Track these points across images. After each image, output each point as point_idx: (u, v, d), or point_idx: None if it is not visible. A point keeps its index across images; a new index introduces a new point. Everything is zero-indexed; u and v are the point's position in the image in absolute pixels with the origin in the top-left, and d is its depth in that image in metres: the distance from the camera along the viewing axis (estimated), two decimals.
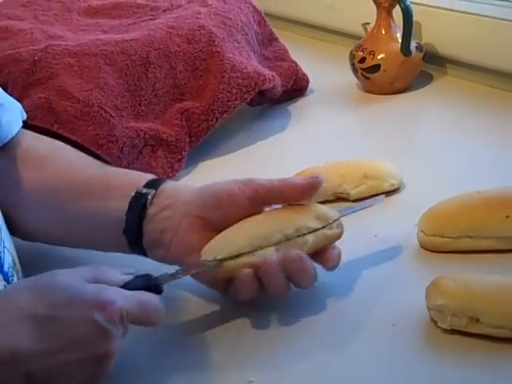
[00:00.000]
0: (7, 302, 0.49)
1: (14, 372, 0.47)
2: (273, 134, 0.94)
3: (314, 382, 0.53)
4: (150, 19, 0.97)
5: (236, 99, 0.89)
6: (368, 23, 1.04)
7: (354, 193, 0.74)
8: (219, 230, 0.60)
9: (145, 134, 0.85)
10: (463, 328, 0.55)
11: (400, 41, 0.99)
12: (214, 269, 0.58)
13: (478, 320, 0.54)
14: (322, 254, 0.60)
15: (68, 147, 0.70)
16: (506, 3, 0.99)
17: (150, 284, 0.54)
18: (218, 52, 0.91)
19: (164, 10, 0.99)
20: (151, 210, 0.62)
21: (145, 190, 0.62)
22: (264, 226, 0.59)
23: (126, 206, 0.62)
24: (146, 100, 0.88)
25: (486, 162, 0.81)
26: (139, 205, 0.62)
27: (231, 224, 0.60)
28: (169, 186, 0.63)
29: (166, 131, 0.86)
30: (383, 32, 1.01)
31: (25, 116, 0.71)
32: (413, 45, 1.00)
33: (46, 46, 0.87)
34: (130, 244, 0.63)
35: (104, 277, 0.52)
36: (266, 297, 0.60)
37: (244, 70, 0.91)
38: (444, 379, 0.52)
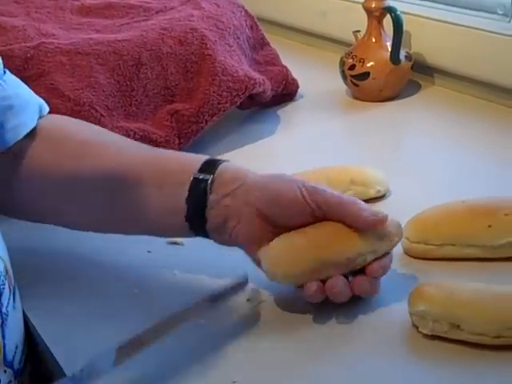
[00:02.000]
0: None
1: None
2: (261, 137, 0.95)
3: (292, 381, 0.54)
4: (143, 20, 0.97)
5: (226, 102, 0.90)
6: (359, 31, 1.05)
7: None
8: (277, 226, 0.60)
9: (134, 134, 0.85)
10: (444, 334, 0.56)
11: (389, 49, 1.00)
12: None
13: (458, 326, 0.55)
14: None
15: (110, 133, 0.70)
16: (495, 16, 1.01)
17: None
18: (209, 55, 0.92)
19: (157, 12, 1.00)
20: (212, 197, 0.60)
21: (202, 176, 0.61)
22: (328, 250, 0.59)
23: (185, 193, 0.61)
24: (136, 100, 0.89)
25: (471, 171, 0.82)
26: (199, 191, 0.61)
27: (288, 224, 0.60)
28: (230, 169, 0.62)
29: (155, 132, 0.87)
30: (373, 40, 1.02)
31: (46, 109, 0.70)
32: (402, 54, 1.01)
33: (39, 44, 0.87)
34: (193, 229, 0.62)
35: None
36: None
37: (235, 74, 0.91)
38: (423, 383, 0.53)
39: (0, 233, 0.62)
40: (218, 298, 0.59)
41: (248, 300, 0.61)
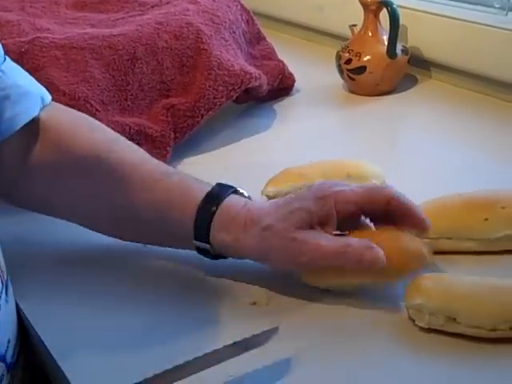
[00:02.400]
0: None
1: None
2: (258, 131, 0.95)
3: (288, 376, 0.54)
4: (139, 14, 0.97)
5: (222, 96, 0.90)
6: (355, 25, 1.04)
7: None
8: None
9: (130, 128, 0.85)
10: (440, 327, 0.55)
11: (386, 43, 1.00)
12: None
13: (455, 319, 0.55)
14: None
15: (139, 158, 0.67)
16: (492, 9, 1.01)
17: None
18: (205, 49, 0.91)
19: (152, 6, 0.99)
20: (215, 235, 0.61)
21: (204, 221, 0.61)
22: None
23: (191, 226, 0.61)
24: (132, 95, 0.88)
25: (468, 164, 0.82)
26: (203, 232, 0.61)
27: None
28: (230, 208, 0.61)
29: (151, 126, 0.87)
30: (370, 34, 1.02)
31: (49, 99, 0.69)
32: (399, 48, 1.01)
33: (33, 39, 0.87)
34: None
35: None
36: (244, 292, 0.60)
37: (231, 68, 0.91)
38: (419, 376, 0.52)
39: None
40: (250, 346, 0.54)
41: (254, 303, 0.61)
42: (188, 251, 0.65)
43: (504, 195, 0.67)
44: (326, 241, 0.57)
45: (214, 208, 0.60)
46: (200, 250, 0.63)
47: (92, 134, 0.68)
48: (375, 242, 0.57)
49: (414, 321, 0.57)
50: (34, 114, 0.66)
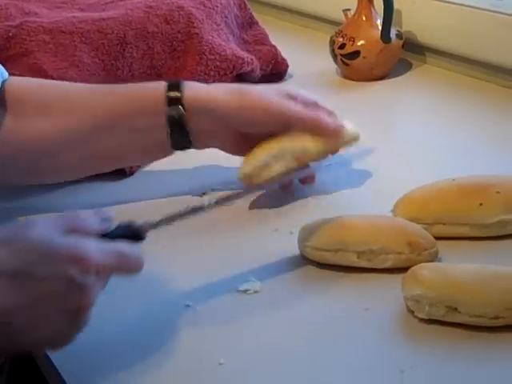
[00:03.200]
0: None
1: None
2: None
3: (283, 364, 0.53)
4: None
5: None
6: (349, 9, 1.03)
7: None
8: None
9: None
10: (441, 317, 0.54)
11: (380, 28, 0.99)
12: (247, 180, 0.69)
13: (456, 309, 0.54)
14: None
15: (67, 84, 0.75)
16: None
17: (131, 232, 0.54)
18: (196, 33, 0.90)
19: None
20: (192, 126, 0.68)
21: (175, 112, 0.67)
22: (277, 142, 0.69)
23: (164, 129, 0.68)
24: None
25: (462, 149, 0.81)
26: (178, 124, 0.68)
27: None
28: (196, 94, 0.68)
29: None
30: (364, 19, 1.00)
31: (6, 76, 0.71)
32: (393, 32, 1.00)
33: (21, 23, 0.86)
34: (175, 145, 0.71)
35: (82, 226, 0.51)
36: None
37: (222, 53, 0.90)
38: (422, 368, 0.51)
39: None
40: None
41: (245, 291, 0.60)
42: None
43: (499, 180, 0.66)
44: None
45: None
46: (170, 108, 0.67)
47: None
48: None
49: (413, 312, 0.55)
50: None
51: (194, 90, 0.69)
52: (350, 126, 0.73)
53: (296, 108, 0.69)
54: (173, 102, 0.67)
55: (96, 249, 0.49)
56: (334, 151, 0.71)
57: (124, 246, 0.52)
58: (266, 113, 0.68)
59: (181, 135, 0.69)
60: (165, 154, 0.72)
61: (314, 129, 0.69)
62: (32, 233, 0.49)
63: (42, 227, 0.49)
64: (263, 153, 0.69)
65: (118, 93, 0.70)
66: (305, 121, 0.69)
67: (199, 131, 0.69)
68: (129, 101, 0.69)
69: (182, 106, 0.67)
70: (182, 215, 0.58)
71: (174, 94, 0.67)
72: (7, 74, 0.71)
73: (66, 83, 0.75)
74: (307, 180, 0.73)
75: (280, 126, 0.69)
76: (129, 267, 0.52)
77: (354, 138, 0.72)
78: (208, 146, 0.73)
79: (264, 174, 0.68)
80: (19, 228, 0.51)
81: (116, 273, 0.51)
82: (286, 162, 0.69)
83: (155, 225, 0.56)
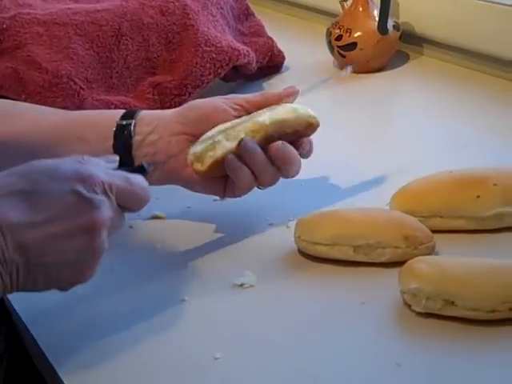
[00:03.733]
0: None
1: (6, 243, 0.47)
2: None
3: (279, 358, 0.53)
4: None
5: (209, 74, 0.88)
6: (345, 0, 1.02)
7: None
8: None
9: (115, 107, 0.83)
10: (438, 311, 0.54)
11: (377, 19, 0.98)
12: (198, 165, 0.63)
13: (453, 303, 0.53)
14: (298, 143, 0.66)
15: (27, 104, 0.72)
16: None
17: (135, 168, 0.57)
18: (191, 25, 0.89)
19: None
20: (136, 138, 0.65)
21: (125, 122, 0.65)
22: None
23: (110, 142, 0.64)
24: (117, 72, 0.87)
25: (459, 142, 0.80)
26: (123, 136, 0.65)
27: None
28: (146, 113, 0.67)
29: (137, 105, 0.85)
30: (360, 10, 1.00)
31: None
32: (390, 23, 0.99)
33: (15, 14, 0.85)
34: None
35: (87, 161, 0.53)
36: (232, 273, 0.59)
37: (218, 45, 0.89)
38: (419, 361, 0.51)
39: None
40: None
41: (241, 285, 0.60)
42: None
43: (496, 172, 0.65)
44: None
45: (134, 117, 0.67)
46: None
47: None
48: None
49: (409, 306, 0.55)
50: None
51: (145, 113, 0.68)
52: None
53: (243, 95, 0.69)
54: (126, 116, 0.67)
55: (101, 170, 0.52)
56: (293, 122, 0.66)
57: (130, 174, 0.54)
58: (205, 104, 0.67)
59: (125, 146, 0.65)
60: None
61: (263, 97, 0.67)
62: (39, 162, 0.52)
63: (53, 160, 0.52)
64: (212, 131, 0.64)
65: (76, 114, 0.70)
66: (250, 96, 0.68)
67: (143, 139, 0.65)
68: (83, 117, 0.69)
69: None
70: None
71: (126, 121, 0.66)
72: None
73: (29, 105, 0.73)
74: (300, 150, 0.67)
75: (222, 114, 0.66)
76: (135, 193, 0.53)
77: (312, 116, 0.67)
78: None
79: (217, 151, 0.63)
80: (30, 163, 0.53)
81: (123, 198, 0.52)
82: (236, 139, 0.63)
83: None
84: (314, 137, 0.74)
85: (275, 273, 0.62)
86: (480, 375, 0.50)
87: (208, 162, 0.63)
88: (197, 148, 0.63)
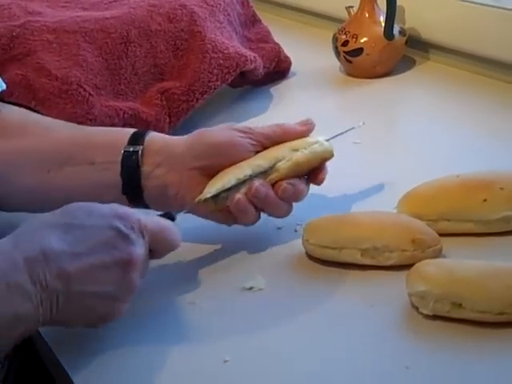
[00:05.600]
0: (32, 223, 0.52)
1: (49, 270, 0.49)
2: (253, 115, 0.93)
3: (288, 361, 0.53)
4: None
5: (217, 80, 0.89)
6: (352, 6, 1.03)
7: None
8: (216, 172, 0.63)
9: (124, 113, 0.84)
10: (446, 313, 0.54)
11: (383, 25, 0.99)
12: (211, 203, 0.62)
13: (461, 305, 0.54)
14: (312, 173, 0.65)
15: (39, 114, 0.71)
16: None
17: (163, 215, 0.58)
18: (199, 32, 0.90)
19: None
20: (145, 169, 0.63)
21: (132, 148, 0.64)
22: (245, 163, 0.63)
23: (118, 167, 0.63)
24: (125, 79, 0.87)
25: (466, 146, 0.81)
26: (131, 163, 0.63)
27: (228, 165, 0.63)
28: (154, 139, 0.65)
29: (145, 111, 0.85)
30: (367, 15, 1.00)
31: (4, 86, 0.70)
32: (396, 29, 0.99)
33: (25, 22, 0.86)
34: (131, 201, 0.64)
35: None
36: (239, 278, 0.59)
37: (225, 51, 0.90)
38: (428, 364, 0.51)
39: None
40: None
41: (250, 289, 0.60)
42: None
43: (503, 176, 0.66)
44: None
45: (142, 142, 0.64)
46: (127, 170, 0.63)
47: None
48: None
49: (417, 308, 0.55)
50: None
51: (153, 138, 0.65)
52: (322, 139, 0.67)
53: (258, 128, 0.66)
54: (134, 140, 0.65)
55: (138, 213, 0.54)
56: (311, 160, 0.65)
57: (161, 219, 0.56)
58: (222, 138, 0.64)
59: (133, 174, 0.63)
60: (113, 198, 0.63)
61: (280, 133, 0.65)
62: (78, 203, 0.54)
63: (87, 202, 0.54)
64: (227, 175, 0.62)
65: (84, 131, 0.69)
66: (268, 131, 0.65)
67: (152, 171, 0.63)
68: (91, 135, 0.68)
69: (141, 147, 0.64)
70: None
71: (133, 148, 0.64)
72: (5, 84, 0.71)
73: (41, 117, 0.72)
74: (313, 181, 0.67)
75: (240, 150, 0.63)
76: (167, 236, 0.55)
77: (328, 151, 0.66)
78: (161, 194, 0.64)
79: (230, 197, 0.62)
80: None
81: (156, 241, 0.54)
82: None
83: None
84: None
85: (284, 276, 0.62)
86: (488, 377, 0.50)
87: (223, 204, 0.63)
88: (211, 192, 0.62)
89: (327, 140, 0.67)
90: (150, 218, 0.55)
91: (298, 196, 0.64)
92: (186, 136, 0.66)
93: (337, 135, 0.69)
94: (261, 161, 0.63)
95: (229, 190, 0.62)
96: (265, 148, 0.65)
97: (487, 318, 0.53)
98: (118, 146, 0.64)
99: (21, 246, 0.50)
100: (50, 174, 0.64)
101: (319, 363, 0.53)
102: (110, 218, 0.52)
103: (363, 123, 0.71)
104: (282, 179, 0.63)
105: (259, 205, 0.63)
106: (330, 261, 0.62)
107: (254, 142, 0.64)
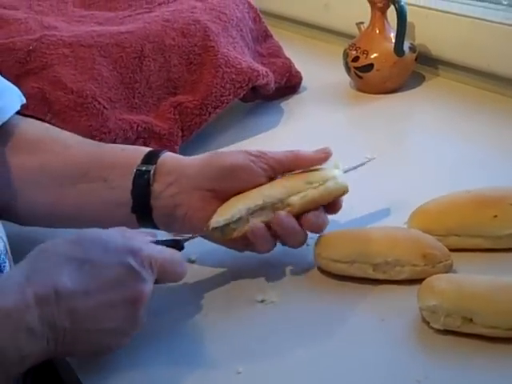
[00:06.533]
0: (47, 252, 0.52)
1: (58, 310, 0.50)
2: (264, 130, 0.95)
3: (300, 374, 0.54)
4: (146, 12, 0.97)
5: (229, 94, 0.90)
6: (362, 23, 1.04)
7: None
8: (227, 196, 0.63)
9: (138, 126, 0.85)
10: (456, 328, 0.55)
11: (393, 41, 1.00)
12: (218, 233, 0.62)
13: (471, 320, 0.54)
14: (328, 206, 0.64)
15: (58, 129, 0.71)
16: (500, 6, 1.00)
17: (171, 243, 0.58)
18: (212, 47, 0.91)
19: (160, 4, 0.99)
20: (156, 187, 0.63)
21: (144, 167, 0.64)
22: (257, 192, 0.62)
23: (129, 185, 0.63)
24: (139, 93, 0.88)
25: (476, 162, 0.81)
26: (143, 182, 0.63)
27: (240, 191, 0.63)
28: (168, 159, 0.65)
29: (158, 124, 0.87)
30: (377, 32, 1.01)
31: (24, 100, 0.71)
32: (406, 45, 1.00)
33: (41, 36, 0.87)
34: (140, 220, 0.64)
35: (130, 236, 0.55)
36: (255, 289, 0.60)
37: (238, 66, 0.91)
38: (438, 378, 0.52)
39: None
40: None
41: (262, 301, 0.61)
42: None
43: None
44: None
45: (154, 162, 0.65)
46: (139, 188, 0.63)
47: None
48: None
49: (428, 323, 0.56)
50: (17, 108, 0.69)
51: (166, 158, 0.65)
52: (338, 173, 0.65)
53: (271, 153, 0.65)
54: (148, 160, 0.65)
55: (148, 245, 0.54)
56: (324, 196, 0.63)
57: (169, 250, 0.57)
58: (234, 161, 0.63)
59: (143, 193, 0.63)
60: (123, 217, 0.65)
61: (293, 159, 0.64)
62: (91, 233, 0.54)
63: (102, 230, 0.55)
64: (237, 204, 0.62)
65: (101, 149, 0.69)
66: (281, 156, 0.64)
67: (163, 191, 0.63)
68: (107, 153, 0.68)
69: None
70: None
71: (146, 167, 0.64)
72: (24, 98, 0.72)
73: (59, 131, 0.72)
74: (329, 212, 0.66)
75: (251, 175, 0.63)
76: (175, 268, 0.56)
77: (343, 188, 0.64)
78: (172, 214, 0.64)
79: (238, 229, 0.62)
80: (82, 231, 0.56)
81: (163, 272, 0.55)
82: (265, 216, 0.62)
83: (191, 237, 0.61)
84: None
85: (295, 289, 0.63)
86: None
87: (230, 235, 0.62)
88: (219, 222, 0.61)
89: (344, 171, 0.65)
90: (160, 250, 0.55)
91: (321, 228, 0.63)
92: (199, 156, 0.66)
93: (352, 168, 0.68)
94: (272, 191, 0.62)
95: (238, 220, 0.61)
96: (276, 173, 0.64)
97: (498, 334, 0.54)
98: (131, 165, 0.64)
99: (34, 281, 0.50)
100: (64, 191, 0.65)
101: (330, 376, 0.53)
102: (124, 255, 0.52)
103: (375, 157, 0.70)
104: (294, 214, 0.62)
105: (282, 234, 0.62)
106: (341, 275, 0.63)
107: (266, 167, 0.63)
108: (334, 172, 0.64)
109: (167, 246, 0.57)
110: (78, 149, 0.68)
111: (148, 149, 0.66)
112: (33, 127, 0.70)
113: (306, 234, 0.63)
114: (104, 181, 0.64)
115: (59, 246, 0.53)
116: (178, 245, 0.59)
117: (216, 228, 0.61)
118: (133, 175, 0.63)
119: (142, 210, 0.64)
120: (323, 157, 0.65)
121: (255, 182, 0.63)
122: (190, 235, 0.62)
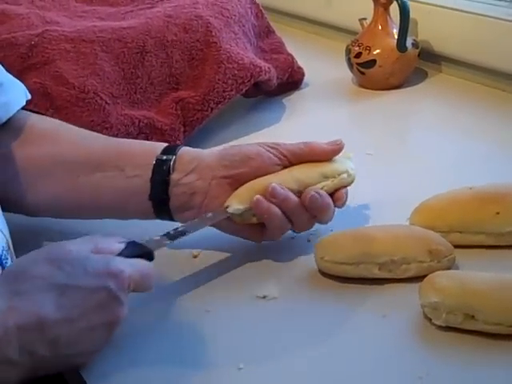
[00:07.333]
0: (27, 273, 0.52)
1: (42, 339, 0.49)
2: (267, 125, 0.94)
3: (301, 370, 0.54)
4: (148, 8, 0.97)
5: (232, 90, 0.89)
6: (365, 19, 1.04)
7: None
8: (241, 184, 0.64)
9: (139, 121, 0.85)
10: (458, 325, 0.55)
11: (396, 37, 1.00)
12: (237, 218, 0.63)
13: (473, 317, 0.54)
14: (333, 197, 0.65)
15: (72, 125, 0.72)
16: (503, 2, 1.00)
17: (143, 252, 0.57)
18: (214, 42, 0.91)
19: None
20: (175, 176, 0.64)
21: (165, 157, 0.65)
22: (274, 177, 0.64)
23: (148, 174, 0.64)
24: (141, 88, 0.88)
25: (479, 158, 0.81)
26: (162, 171, 0.64)
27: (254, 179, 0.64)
28: (187, 151, 0.67)
29: (160, 120, 0.86)
30: (380, 28, 1.01)
31: (28, 95, 0.72)
32: (409, 41, 1.00)
33: (43, 31, 0.87)
34: (156, 209, 0.65)
35: (103, 246, 0.55)
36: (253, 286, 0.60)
37: (240, 61, 0.91)
38: (440, 375, 0.52)
39: (1, 212, 0.62)
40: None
41: (264, 297, 0.61)
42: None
43: None
44: None
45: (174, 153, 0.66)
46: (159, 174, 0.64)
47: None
48: None
49: (430, 320, 0.56)
50: (23, 103, 0.69)
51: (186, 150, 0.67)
52: (350, 168, 0.67)
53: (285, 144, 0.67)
54: (167, 151, 0.66)
55: (127, 265, 0.53)
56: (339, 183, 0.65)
57: (142, 263, 0.56)
58: (250, 149, 0.65)
59: (163, 181, 0.64)
60: (137, 205, 0.66)
61: (307, 151, 0.66)
62: (70, 251, 0.53)
63: (75, 246, 0.53)
64: (254, 191, 0.63)
65: (118, 141, 0.71)
66: (295, 148, 0.66)
67: (181, 178, 0.64)
68: (125, 145, 0.69)
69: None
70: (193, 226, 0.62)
71: (166, 156, 0.65)
72: (29, 93, 0.72)
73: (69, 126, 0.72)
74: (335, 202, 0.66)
75: (267, 162, 0.65)
76: (147, 284, 0.55)
77: (353, 180, 0.67)
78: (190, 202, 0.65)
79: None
80: (55, 247, 0.54)
81: (136, 289, 0.54)
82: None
83: (160, 243, 0.60)
84: None
85: (297, 285, 0.63)
86: None
87: (249, 220, 0.64)
88: (239, 209, 0.63)
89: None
90: (134, 264, 0.54)
91: (324, 209, 0.64)
92: (217, 147, 0.69)
93: None
94: (289, 179, 0.64)
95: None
96: (290, 163, 0.66)
97: (499, 330, 0.54)
98: (150, 156, 0.65)
99: (16, 308, 0.49)
100: (80, 180, 0.66)
101: (332, 372, 0.53)
102: (104, 278, 0.52)
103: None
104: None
105: (313, 212, 0.63)
106: (346, 277, 0.62)
107: (281, 156, 0.65)
108: (347, 164, 0.67)
109: (139, 255, 0.56)
110: (94, 140, 0.69)
111: (165, 144, 0.68)
112: (46, 121, 0.71)
113: (311, 215, 0.64)
114: (121, 170, 0.65)
115: (39, 268, 0.52)
116: (149, 256, 0.57)
117: (235, 214, 0.63)
118: (153, 164, 0.64)
119: (160, 198, 0.65)
120: (336, 149, 0.67)
121: (271, 170, 0.65)
122: (160, 239, 0.60)
